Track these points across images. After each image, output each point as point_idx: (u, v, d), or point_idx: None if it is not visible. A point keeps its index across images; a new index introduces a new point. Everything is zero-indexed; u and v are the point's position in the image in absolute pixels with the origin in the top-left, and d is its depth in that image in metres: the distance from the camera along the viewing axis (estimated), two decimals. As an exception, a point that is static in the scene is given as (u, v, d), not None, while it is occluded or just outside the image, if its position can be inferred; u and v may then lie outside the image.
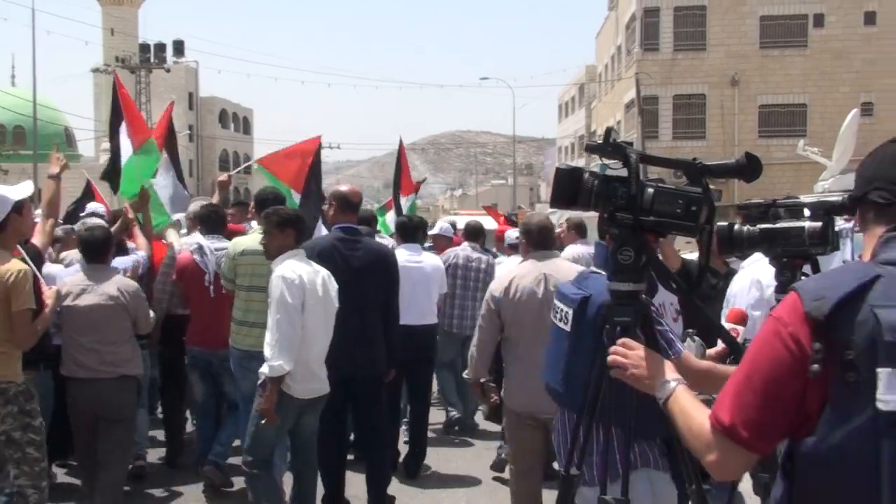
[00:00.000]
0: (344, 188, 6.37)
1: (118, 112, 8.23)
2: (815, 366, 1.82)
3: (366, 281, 5.94)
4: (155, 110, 51.41)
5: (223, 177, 8.49)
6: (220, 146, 69.85)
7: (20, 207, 4.96)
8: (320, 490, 6.09)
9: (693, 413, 2.16)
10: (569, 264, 5.55)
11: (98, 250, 5.91)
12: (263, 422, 5.24)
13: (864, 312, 1.79)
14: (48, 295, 5.17)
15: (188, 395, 7.39)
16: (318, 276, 5.38)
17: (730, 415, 1.96)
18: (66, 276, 6.24)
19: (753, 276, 5.14)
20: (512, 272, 5.38)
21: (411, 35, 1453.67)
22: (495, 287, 5.32)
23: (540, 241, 5.35)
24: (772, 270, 4.96)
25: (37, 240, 5.93)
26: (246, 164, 21.21)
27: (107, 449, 5.70)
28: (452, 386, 8.99)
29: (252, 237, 6.12)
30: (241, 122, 78.56)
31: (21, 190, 5.13)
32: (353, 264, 5.92)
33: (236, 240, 6.50)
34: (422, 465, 7.59)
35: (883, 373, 1.75)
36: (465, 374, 6.05)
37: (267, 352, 5.15)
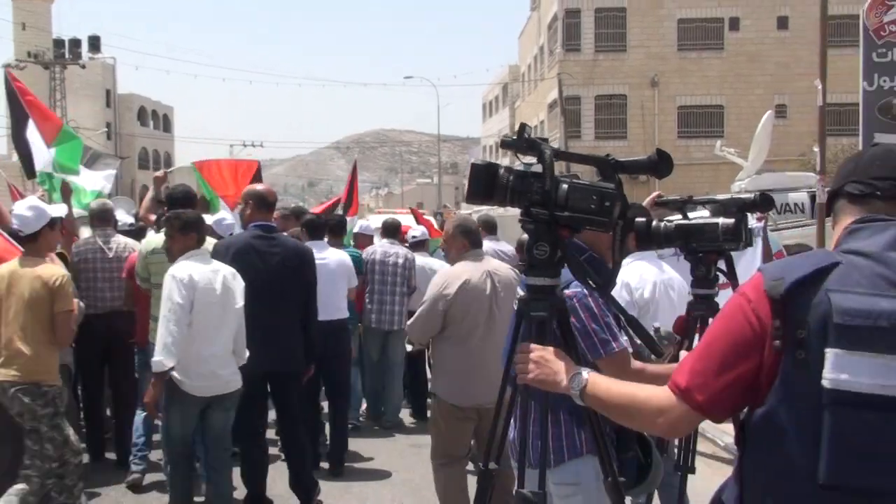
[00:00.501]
0: (259, 187, 6.44)
1: (20, 110, 8.06)
2: (777, 342, 1.96)
3: (282, 278, 6.00)
4: (70, 106, 50.21)
5: (159, 173, 8.69)
6: (140, 144, 68.47)
7: (53, 223, 5.53)
8: (242, 490, 6.12)
9: (627, 387, 2.28)
10: (498, 261, 5.85)
11: None
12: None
13: (819, 295, 1.92)
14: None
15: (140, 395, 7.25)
16: (217, 276, 5.47)
17: (686, 379, 2.09)
18: None
19: (622, 279, 5.10)
20: (460, 272, 5.43)
21: (335, 33, 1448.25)
22: (447, 287, 5.34)
23: (477, 241, 5.58)
24: (640, 272, 5.20)
25: None
26: (171, 169, 20.88)
27: None
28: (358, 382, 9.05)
29: (161, 236, 6.13)
30: (160, 120, 77.14)
31: (57, 209, 5.93)
32: (270, 262, 5.98)
33: (147, 239, 6.72)
34: (344, 461, 7.60)
35: (830, 353, 1.88)
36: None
37: (156, 348, 5.32)
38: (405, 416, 9.44)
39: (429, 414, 7.12)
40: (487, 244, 7.41)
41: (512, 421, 2.86)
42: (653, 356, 3.31)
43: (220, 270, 5.52)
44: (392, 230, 9.39)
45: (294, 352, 6.10)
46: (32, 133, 8.02)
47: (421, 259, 9.39)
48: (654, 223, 3.73)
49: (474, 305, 5.30)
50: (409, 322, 5.57)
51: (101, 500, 6.64)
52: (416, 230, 10.04)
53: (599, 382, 2.33)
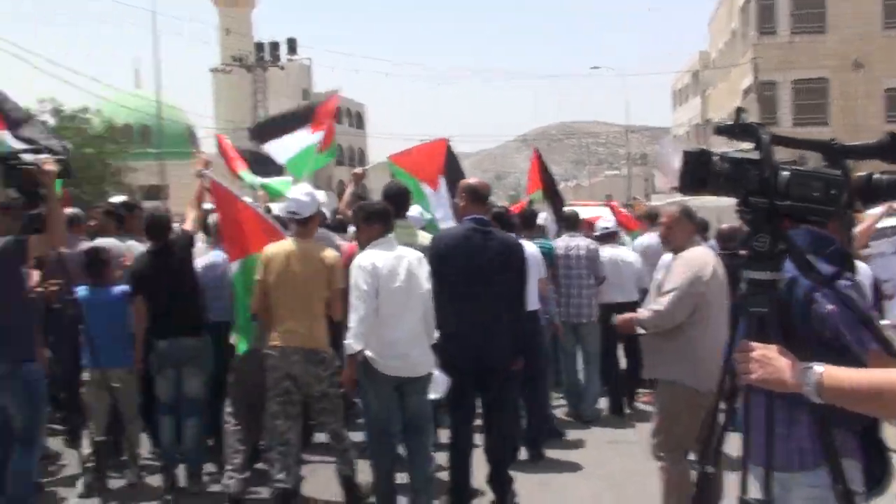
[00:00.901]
0: (473, 181, 6.49)
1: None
2: None
3: (493, 271, 6.03)
4: (271, 107, 52.64)
5: (358, 170, 8.95)
6: (336, 141, 70.90)
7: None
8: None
9: (874, 373, 2.13)
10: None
11: None
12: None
13: None
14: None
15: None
16: (402, 262, 5.64)
17: None
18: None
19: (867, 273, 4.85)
20: (704, 256, 5.45)
21: (519, 26, 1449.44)
22: (702, 271, 5.30)
23: (701, 225, 5.69)
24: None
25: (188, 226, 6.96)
26: (369, 166, 21.46)
27: None
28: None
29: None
30: (354, 118, 79.65)
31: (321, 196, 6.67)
32: (482, 255, 6.02)
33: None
34: (542, 448, 7.65)
35: None
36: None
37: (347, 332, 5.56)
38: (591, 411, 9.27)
39: (650, 407, 6.90)
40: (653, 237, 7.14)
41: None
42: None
43: (405, 257, 5.69)
44: (571, 222, 9.30)
45: (504, 345, 6.10)
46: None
47: (611, 250, 9.26)
48: (875, 176, 3.47)
49: (720, 292, 5.29)
50: (656, 310, 5.34)
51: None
52: (606, 221, 9.89)
53: (838, 373, 2.18)
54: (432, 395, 5.86)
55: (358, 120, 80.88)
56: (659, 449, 5.45)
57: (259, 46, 52.79)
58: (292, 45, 52.45)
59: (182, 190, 29.96)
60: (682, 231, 5.49)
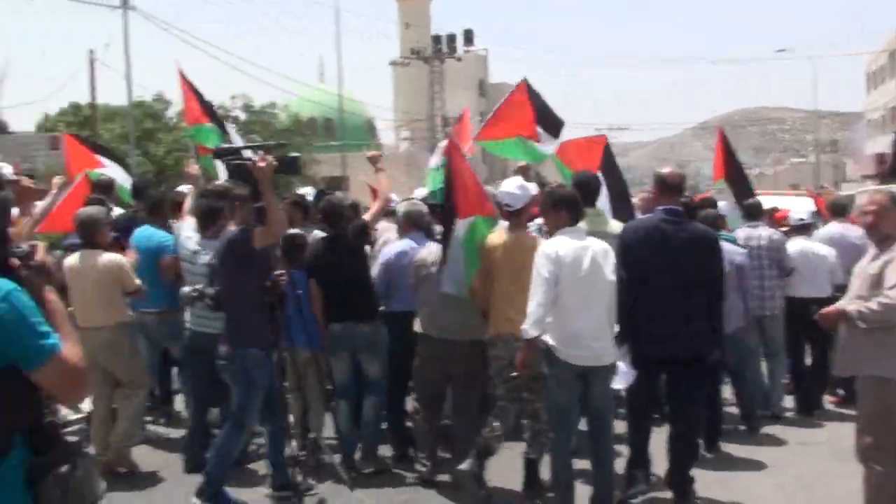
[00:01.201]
0: (664, 171, 6.38)
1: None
2: None
3: (686, 262, 5.94)
4: (448, 99, 53.36)
5: (522, 163, 8.80)
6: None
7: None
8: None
9: None
10: None
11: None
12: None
13: None
14: None
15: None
16: (587, 252, 5.57)
17: None
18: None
19: None
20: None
21: (699, 8, 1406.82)
22: None
23: None
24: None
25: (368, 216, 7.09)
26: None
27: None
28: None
29: None
30: (529, 107, 79.40)
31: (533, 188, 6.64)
32: (674, 245, 5.95)
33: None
34: (717, 440, 7.49)
35: None
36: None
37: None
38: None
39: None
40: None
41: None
42: None
43: (591, 247, 5.61)
44: (753, 212, 8.96)
45: (698, 336, 5.98)
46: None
47: (803, 243, 8.86)
48: None
49: None
50: (886, 304, 4.97)
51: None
52: (802, 213, 9.43)
53: None
54: (616, 385, 5.84)
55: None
56: (867, 451, 5.15)
57: (436, 39, 53.58)
58: (469, 37, 53.00)
59: (361, 180, 30.79)
60: (891, 219, 5.20)
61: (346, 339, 6.85)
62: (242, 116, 37.33)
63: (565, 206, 5.75)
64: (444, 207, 6.61)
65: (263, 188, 5.65)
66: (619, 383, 5.87)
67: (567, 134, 9.03)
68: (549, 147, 8.35)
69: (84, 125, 30.20)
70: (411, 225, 7.32)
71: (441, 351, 6.45)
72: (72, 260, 6.80)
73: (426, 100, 53.79)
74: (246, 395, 5.95)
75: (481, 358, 6.37)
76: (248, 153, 5.93)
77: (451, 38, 52.72)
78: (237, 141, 8.71)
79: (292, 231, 7.15)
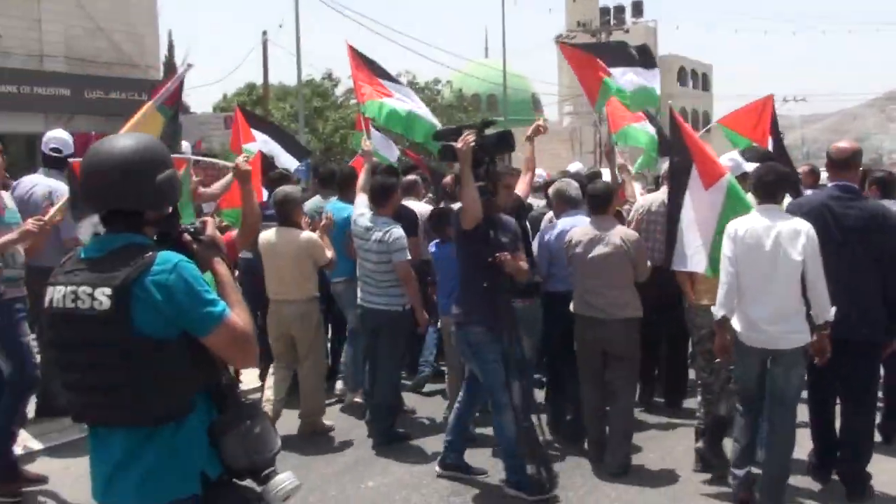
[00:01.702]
0: (835, 147, 6.02)
1: None
2: None
3: (858, 241, 5.62)
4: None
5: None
6: (679, 103, 69.00)
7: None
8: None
9: None
10: None
11: (604, 202, 6.51)
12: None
13: None
14: None
15: None
16: (770, 232, 5.32)
17: None
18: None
19: None
20: None
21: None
22: None
23: None
24: None
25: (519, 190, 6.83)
26: (706, 127, 20.58)
27: (615, 379, 6.41)
28: None
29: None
30: (699, 79, 77.18)
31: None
32: (845, 223, 5.64)
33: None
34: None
35: None
36: None
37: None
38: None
39: None
40: None
41: None
42: None
43: (776, 227, 5.32)
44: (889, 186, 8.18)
45: (871, 318, 5.61)
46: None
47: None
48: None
49: None
50: None
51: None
52: None
53: None
54: None
55: (704, 81, 78.19)
56: None
57: (604, 11, 52.63)
58: (638, 8, 51.81)
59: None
60: None
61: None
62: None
63: (761, 186, 5.54)
64: (674, 183, 6.39)
65: (462, 169, 5.67)
66: None
67: (739, 104, 8.96)
68: (646, 77, 8.92)
69: (258, 104, 31.21)
70: (564, 203, 7.13)
71: (594, 330, 6.33)
72: (268, 235, 7.05)
73: (592, 74, 52.86)
74: (484, 375, 5.93)
75: (636, 337, 6.34)
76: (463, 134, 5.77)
77: (620, 10, 51.69)
78: (409, 114, 8.84)
79: (441, 206, 7.21)
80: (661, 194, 7.34)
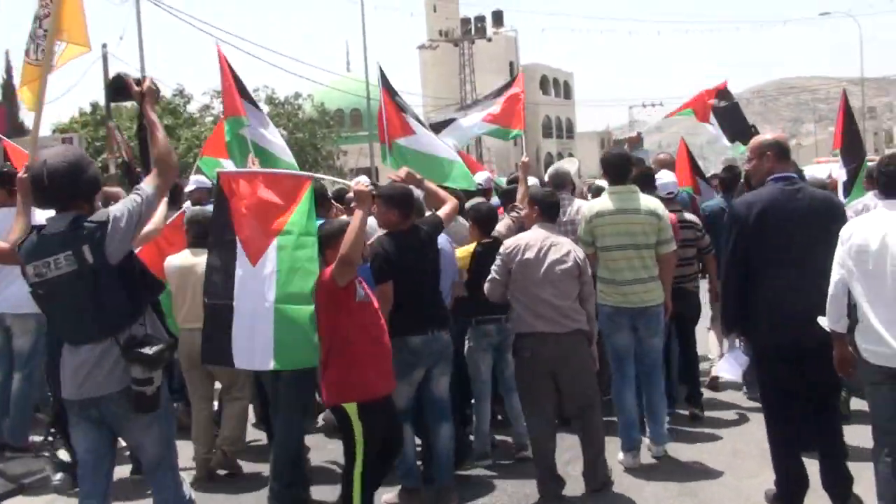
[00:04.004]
0: (779, 137, 5.48)
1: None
2: None
3: (812, 231, 5.04)
4: (478, 80, 51.91)
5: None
6: (543, 112, 69.62)
7: None
8: None
9: None
10: None
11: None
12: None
13: None
14: None
15: None
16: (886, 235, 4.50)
17: None
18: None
19: None
20: None
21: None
22: None
23: None
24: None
25: None
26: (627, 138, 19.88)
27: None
28: None
29: (608, 198, 6.41)
30: (561, 87, 78.03)
31: None
32: (798, 213, 5.08)
33: (590, 203, 6.76)
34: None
35: None
36: None
37: None
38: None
39: None
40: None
41: None
42: None
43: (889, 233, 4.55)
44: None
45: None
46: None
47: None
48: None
49: None
50: None
51: None
52: None
53: None
54: (726, 376, 5.50)
55: (566, 89, 79.14)
56: None
57: (465, 21, 52.29)
58: (498, 18, 51.70)
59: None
60: None
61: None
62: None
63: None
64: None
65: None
66: (729, 374, 5.65)
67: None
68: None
69: (101, 125, 29.12)
70: None
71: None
72: (180, 259, 6.48)
73: (456, 84, 52.41)
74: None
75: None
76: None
77: (480, 19, 51.39)
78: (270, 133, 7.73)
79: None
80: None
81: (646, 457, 6.40)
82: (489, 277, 5.81)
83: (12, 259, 4.33)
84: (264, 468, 6.45)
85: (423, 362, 5.63)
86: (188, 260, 6.43)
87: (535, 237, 5.81)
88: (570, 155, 62.85)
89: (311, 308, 4.99)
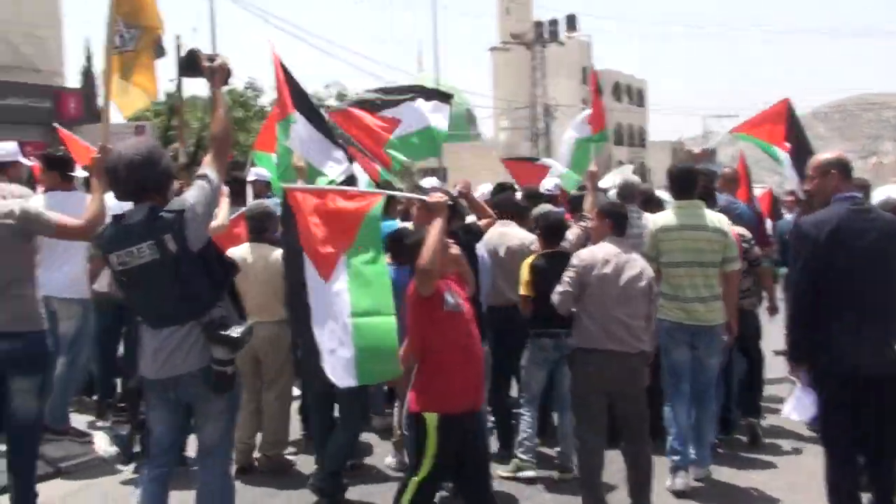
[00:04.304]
0: (839, 154, 5.21)
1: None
2: None
3: (887, 256, 4.86)
4: (549, 85, 51.57)
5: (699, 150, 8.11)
6: (615, 119, 68.92)
7: None
8: None
9: None
10: None
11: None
12: None
13: None
14: None
15: None
16: None
17: None
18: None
19: None
20: None
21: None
22: None
23: None
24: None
25: None
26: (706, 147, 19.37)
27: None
28: None
29: (673, 212, 6.36)
30: (634, 94, 77.19)
31: None
32: (870, 237, 4.83)
33: (655, 217, 6.65)
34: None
35: None
36: None
37: None
38: None
39: None
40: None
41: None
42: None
43: None
44: None
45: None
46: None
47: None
48: None
49: None
50: None
51: None
52: None
53: None
54: (794, 416, 5.34)
55: (639, 96, 78.24)
56: None
57: (538, 24, 51.98)
58: (571, 22, 51.17)
59: (459, 172, 29.45)
60: None
61: None
62: (336, 105, 36.29)
63: None
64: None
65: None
66: (800, 414, 5.30)
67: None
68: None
69: (174, 114, 29.47)
70: None
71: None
72: (240, 252, 6.54)
73: (527, 87, 52.14)
74: None
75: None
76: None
77: (554, 23, 50.99)
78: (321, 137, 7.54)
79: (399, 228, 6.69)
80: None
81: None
82: (561, 289, 5.59)
83: (83, 236, 5.09)
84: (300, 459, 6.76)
85: None
86: (247, 254, 6.51)
87: (609, 252, 5.60)
88: (642, 164, 62.17)
89: (390, 319, 4.79)
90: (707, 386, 6.31)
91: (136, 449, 5.34)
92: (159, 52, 6.19)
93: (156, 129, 24.98)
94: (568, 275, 5.58)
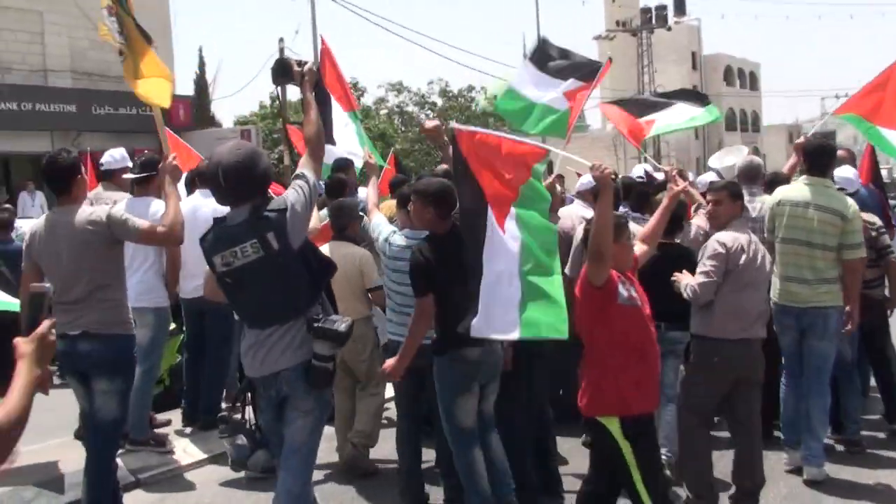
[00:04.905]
0: None
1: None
2: None
3: None
4: (658, 72, 50.40)
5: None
6: (727, 104, 66.99)
7: None
8: None
9: None
10: None
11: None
12: None
13: None
14: None
15: None
16: None
17: None
18: None
19: None
20: None
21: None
22: None
23: None
24: None
25: None
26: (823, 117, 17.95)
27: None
28: None
29: (796, 186, 6.16)
30: (747, 78, 74.88)
31: None
32: None
33: (778, 189, 6.41)
34: None
35: None
36: None
37: None
38: None
39: None
40: None
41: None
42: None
43: None
44: None
45: None
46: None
47: None
48: None
49: None
50: None
51: None
52: None
53: None
54: None
55: (752, 80, 75.86)
56: None
57: (645, 10, 50.94)
58: (680, 6, 50.00)
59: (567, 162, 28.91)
60: None
61: None
62: (439, 102, 36.28)
63: None
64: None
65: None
66: None
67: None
68: None
69: (278, 117, 29.96)
70: None
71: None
72: (326, 252, 6.28)
73: (633, 75, 51.11)
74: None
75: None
76: None
77: (661, 8, 49.85)
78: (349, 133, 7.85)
79: None
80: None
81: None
82: (703, 280, 5.21)
83: (166, 241, 5.39)
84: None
85: (481, 376, 5.15)
86: (328, 252, 6.23)
87: (744, 237, 5.31)
88: (755, 149, 60.21)
89: (558, 277, 4.68)
90: (818, 373, 5.87)
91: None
92: (146, 36, 6.33)
93: (260, 133, 25.35)
94: (712, 263, 5.22)
